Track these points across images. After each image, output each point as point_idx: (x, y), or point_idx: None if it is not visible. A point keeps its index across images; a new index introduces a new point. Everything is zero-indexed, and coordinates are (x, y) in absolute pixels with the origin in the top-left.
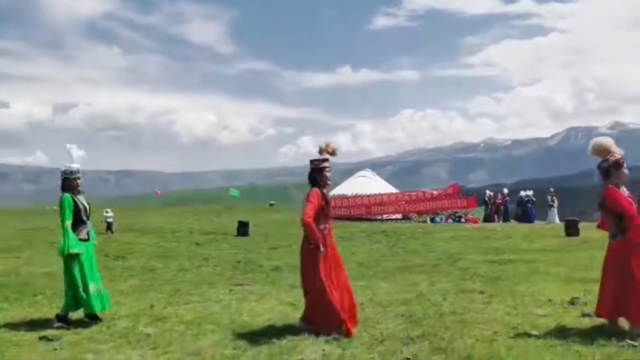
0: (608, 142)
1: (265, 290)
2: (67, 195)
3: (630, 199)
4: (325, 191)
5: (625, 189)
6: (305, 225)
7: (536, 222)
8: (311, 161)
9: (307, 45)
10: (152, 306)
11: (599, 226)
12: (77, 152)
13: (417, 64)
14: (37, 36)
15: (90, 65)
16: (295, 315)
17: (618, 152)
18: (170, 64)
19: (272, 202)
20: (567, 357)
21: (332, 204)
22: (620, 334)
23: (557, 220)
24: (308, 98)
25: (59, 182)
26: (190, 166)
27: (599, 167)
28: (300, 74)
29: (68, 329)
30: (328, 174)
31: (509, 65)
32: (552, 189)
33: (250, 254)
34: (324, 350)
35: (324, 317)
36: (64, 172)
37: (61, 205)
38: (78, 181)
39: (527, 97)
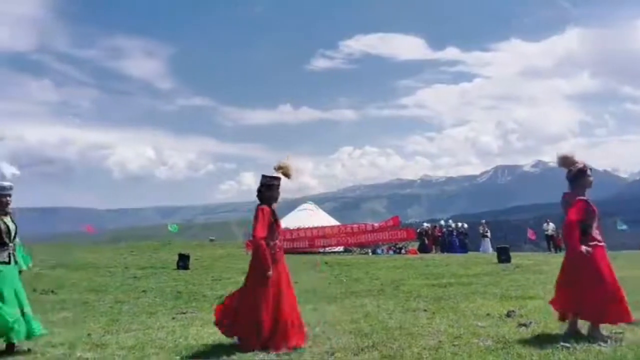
0: (570, 152)
1: (211, 316)
2: None
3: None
4: (274, 208)
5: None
6: (256, 246)
7: (470, 252)
8: (263, 176)
9: (247, 83)
10: (89, 335)
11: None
12: (8, 169)
13: (355, 103)
14: None
15: (18, 98)
16: None
17: (581, 161)
18: (106, 99)
19: (212, 237)
20: (508, 358)
21: None
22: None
23: (490, 249)
24: (248, 135)
25: None
26: (125, 202)
27: (566, 177)
28: (240, 110)
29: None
30: (278, 191)
31: (439, 107)
32: (483, 221)
33: (192, 286)
34: None
35: (248, 334)
36: None
37: None
38: (8, 199)
39: (457, 138)
